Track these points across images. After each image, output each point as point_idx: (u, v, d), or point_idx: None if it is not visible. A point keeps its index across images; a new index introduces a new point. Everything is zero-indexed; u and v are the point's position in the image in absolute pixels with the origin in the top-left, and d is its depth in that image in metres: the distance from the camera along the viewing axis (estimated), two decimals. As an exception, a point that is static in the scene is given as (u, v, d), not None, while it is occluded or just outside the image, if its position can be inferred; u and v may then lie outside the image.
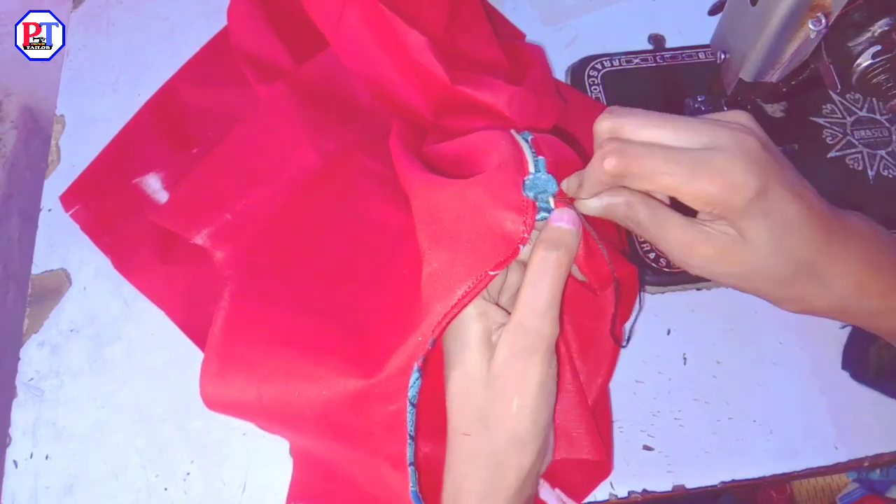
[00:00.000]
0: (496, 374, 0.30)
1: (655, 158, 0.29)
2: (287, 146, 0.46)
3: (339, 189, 0.46)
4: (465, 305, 0.31)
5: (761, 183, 0.28)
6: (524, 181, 0.32)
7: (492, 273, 0.30)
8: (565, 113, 0.50)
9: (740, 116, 0.31)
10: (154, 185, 0.51)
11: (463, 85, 0.44)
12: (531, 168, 0.33)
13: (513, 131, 0.36)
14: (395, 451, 0.33)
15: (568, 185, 0.33)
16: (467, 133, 0.42)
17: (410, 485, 0.33)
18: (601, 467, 0.42)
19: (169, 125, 0.53)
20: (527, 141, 0.34)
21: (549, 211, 0.32)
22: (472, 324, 0.31)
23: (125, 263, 0.49)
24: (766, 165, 0.29)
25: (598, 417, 0.42)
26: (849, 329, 0.47)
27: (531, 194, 0.32)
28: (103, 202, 0.50)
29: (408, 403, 0.32)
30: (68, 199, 0.50)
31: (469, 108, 0.46)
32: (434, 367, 0.35)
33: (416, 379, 0.31)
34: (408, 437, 0.32)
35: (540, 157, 0.33)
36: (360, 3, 0.47)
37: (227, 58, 0.54)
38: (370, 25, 0.47)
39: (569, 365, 0.40)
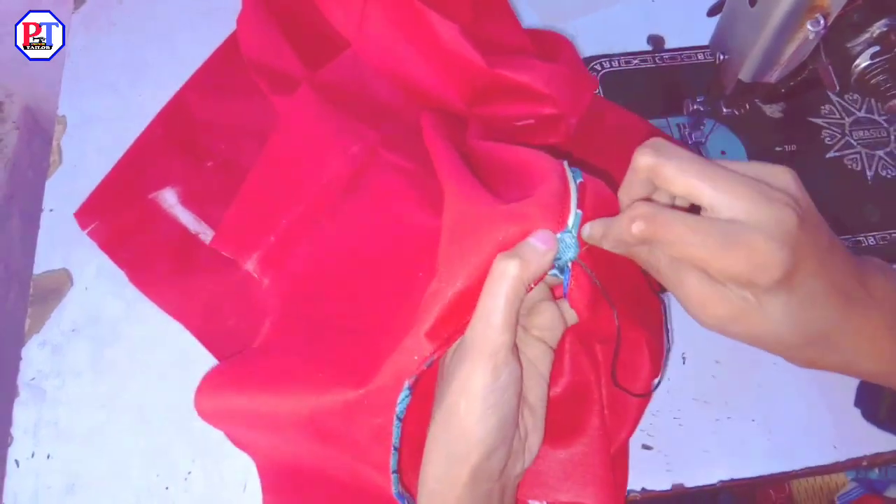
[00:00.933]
0: (449, 374, 0.31)
1: (685, 228, 0.28)
2: (316, 157, 0.47)
3: (367, 192, 0.46)
4: (456, 339, 0.31)
5: (790, 265, 0.27)
6: (561, 231, 0.32)
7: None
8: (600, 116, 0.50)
9: (785, 177, 0.29)
10: (170, 200, 0.51)
11: (500, 68, 0.44)
12: (569, 221, 0.32)
13: (566, 164, 0.35)
14: (379, 460, 0.34)
15: (592, 229, 0.32)
16: (503, 121, 0.43)
17: (393, 488, 0.34)
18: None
19: (181, 138, 0.53)
20: (575, 183, 0.33)
21: (561, 271, 0.32)
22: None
23: (142, 277, 0.49)
24: (799, 245, 0.28)
25: (617, 469, 0.42)
26: None
27: (562, 246, 0.32)
28: (119, 218, 0.50)
29: (395, 418, 0.32)
30: (84, 216, 0.50)
31: (506, 91, 0.46)
32: (427, 382, 0.35)
33: (406, 396, 0.32)
34: (392, 448, 0.33)
35: (579, 211, 0.32)
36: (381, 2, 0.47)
37: (235, 67, 0.53)
38: (394, 21, 0.48)
39: (597, 411, 0.40)
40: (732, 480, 0.44)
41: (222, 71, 0.55)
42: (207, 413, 0.41)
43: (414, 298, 0.34)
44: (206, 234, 0.50)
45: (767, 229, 0.27)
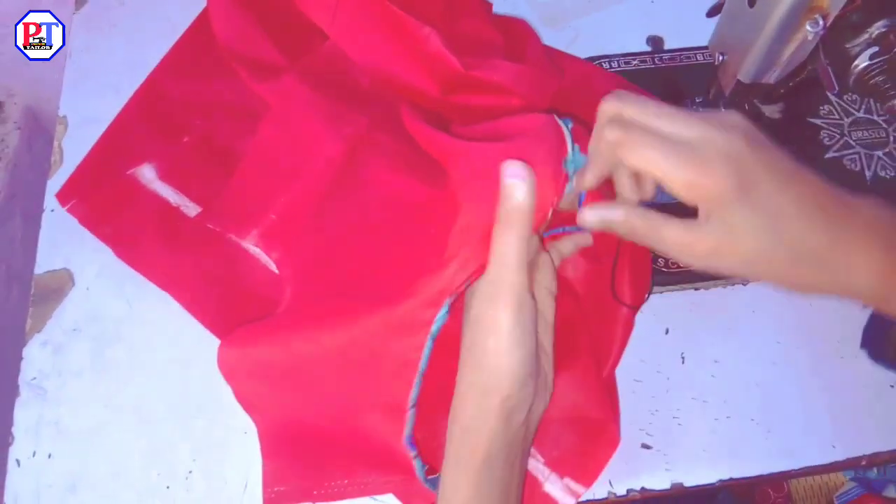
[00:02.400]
0: (475, 319, 0.34)
1: (652, 138, 0.31)
2: (310, 139, 0.48)
3: (363, 168, 0.47)
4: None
5: (741, 176, 0.30)
6: (564, 158, 0.35)
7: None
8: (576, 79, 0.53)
9: (733, 116, 0.33)
10: (148, 175, 0.51)
11: (475, 70, 0.47)
12: (570, 149, 0.36)
13: (555, 116, 0.38)
14: (398, 396, 0.35)
15: (576, 179, 0.36)
16: (478, 108, 0.46)
17: (406, 429, 0.35)
18: (609, 438, 0.43)
19: (156, 116, 0.54)
20: (567, 127, 0.37)
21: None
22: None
23: (127, 252, 0.49)
24: (749, 160, 0.31)
25: (609, 388, 0.44)
26: (870, 310, 0.47)
27: (571, 168, 0.35)
28: (99, 195, 0.51)
29: (428, 337, 0.34)
30: (64, 195, 0.51)
31: (479, 87, 0.48)
32: (446, 351, 0.36)
33: (444, 314, 0.34)
34: (417, 375, 0.35)
35: (576, 145, 0.36)
36: (352, 2, 0.49)
37: (205, 46, 0.55)
38: (367, 19, 0.49)
39: (585, 334, 0.43)
40: (732, 480, 0.44)
41: (193, 51, 0.56)
42: (229, 365, 0.42)
43: (432, 248, 0.36)
44: (186, 206, 0.51)
45: (718, 146, 0.31)
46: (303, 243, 0.47)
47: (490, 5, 0.57)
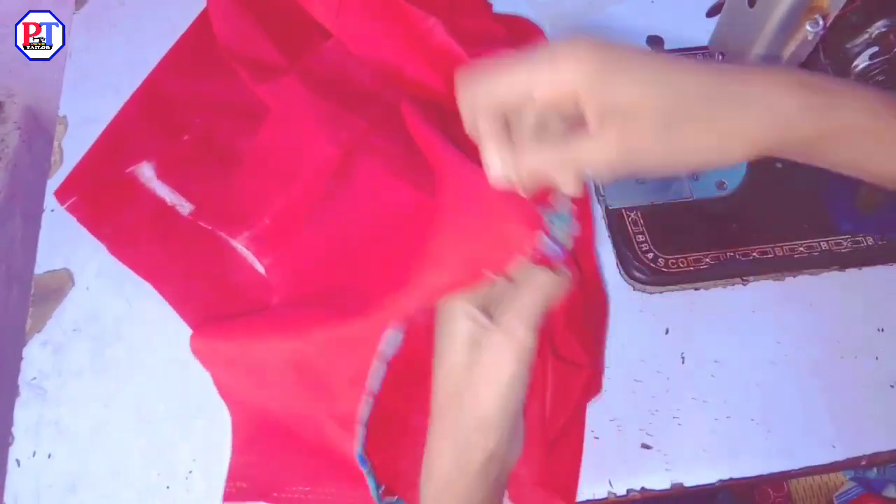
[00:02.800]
0: (477, 363, 0.32)
1: (502, 70, 0.31)
2: (305, 143, 0.48)
3: (358, 173, 0.47)
4: (452, 291, 0.32)
5: (603, 53, 0.29)
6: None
7: (488, 273, 0.32)
8: None
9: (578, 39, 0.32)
10: (147, 174, 0.52)
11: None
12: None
13: None
14: (349, 409, 0.34)
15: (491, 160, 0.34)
16: None
17: (357, 445, 0.34)
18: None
19: (156, 115, 0.54)
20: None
21: (556, 244, 0.33)
22: (462, 323, 0.32)
23: (122, 250, 0.50)
24: (599, 45, 0.30)
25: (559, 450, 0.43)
26: None
27: (550, 219, 0.33)
28: (98, 192, 0.51)
29: (377, 359, 0.33)
30: (63, 192, 0.51)
31: None
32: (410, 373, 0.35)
33: (394, 337, 0.33)
34: (367, 393, 0.33)
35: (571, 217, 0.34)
36: None
37: (205, 46, 0.55)
38: (372, 13, 0.49)
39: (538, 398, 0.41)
40: (732, 480, 0.44)
41: (194, 50, 0.56)
42: (200, 351, 0.42)
43: (412, 262, 0.35)
44: (182, 206, 0.51)
45: (564, 44, 0.30)
46: (294, 251, 0.47)
47: (490, 5, 0.57)
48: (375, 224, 0.45)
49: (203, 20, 0.56)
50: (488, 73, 0.32)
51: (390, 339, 0.33)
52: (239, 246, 0.49)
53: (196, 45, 0.56)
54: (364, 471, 0.36)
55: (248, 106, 0.52)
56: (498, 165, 0.32)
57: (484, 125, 0.32)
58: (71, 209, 0.50)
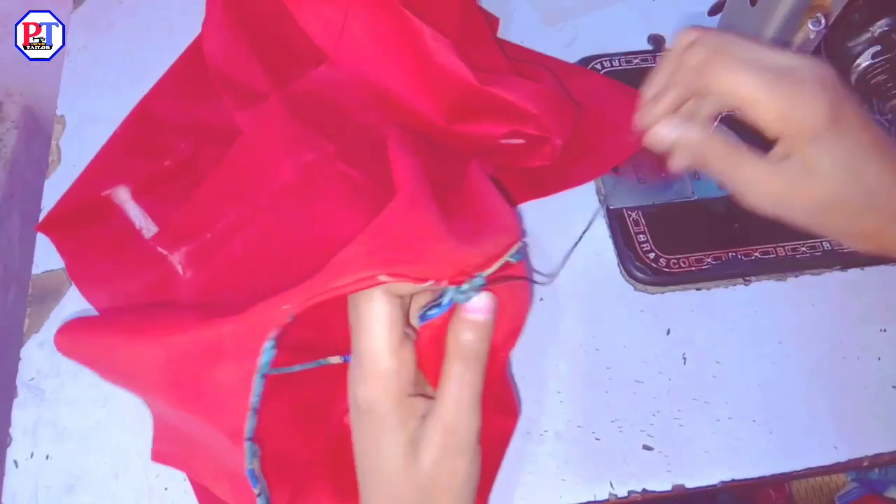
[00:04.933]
0: (426, 475, 0.29)
1: (742, 60, 0.29)
2: (270, 164, 0.47)
3: (308, 196, 0.46)
4: (340, 292, 0.29)
5: (835, 106, 0.29)
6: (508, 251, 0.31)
7: (381, 278, 0.29)
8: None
9: (816, 60, 0.31)
10: (122, 196, 0.51)
11: (489, 85, 0.45)
12: (468, 283, 0.30)
13: (523, 240, 0.34)
14: (235, 424, 0.31)
15: (647, 92, 0.34)
16: (486, 139, 0.45)
17: (246, 462, 0.31)
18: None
19: (142, 138, 0.53)
20: (511, 257, 0.32)
21: (471, 288, 0.30)
22: (395, 435, 0.29)
23: (77, 267, 0.49)
24: (840, 92, 0.29)
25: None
26: None
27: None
28: (72, 213, 0.50)
29: (256, 372, 0.30)
30: (46, 225, 0.50)
31: (491, 109, 0.46)
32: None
33: (271, 348, 0.30)
34: (249, 409, 0.31)
35: (482, 281, 0.31)
36: (366, 11, 0.47)
37: (200, 70, 0.54)
38: (377, 34, 0.48)
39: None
40: (733, 481, 0.43)
41: (187, 74, 0.55)
42: (65, 349, 0.41)
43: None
44: (149, 229, 0.50)
45: (811, 73, 0.29)
46: (214, 266, 0.46)
47: (500, 46, 0.56)
48: (308, 247, 0.43)
49: (198, 44, 0.56)
50: (727, 50, 0.30)
51: (266, 350, 0.30)
52: (175, 260, 0.48)
53: (191, 67, 0.55)
54: (255, 490, 0.32)
55: (236, 132, 0.51)
56: (660, 117, 0.32)
57: (676, 98, 0.32)
58: (41, 228, 0.50)
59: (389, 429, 0.29)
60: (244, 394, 0.30)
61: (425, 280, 0.29)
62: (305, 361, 0.37)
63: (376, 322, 0.29)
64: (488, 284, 0.31)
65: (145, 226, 0.50)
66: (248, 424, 0.31)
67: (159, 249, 0.48)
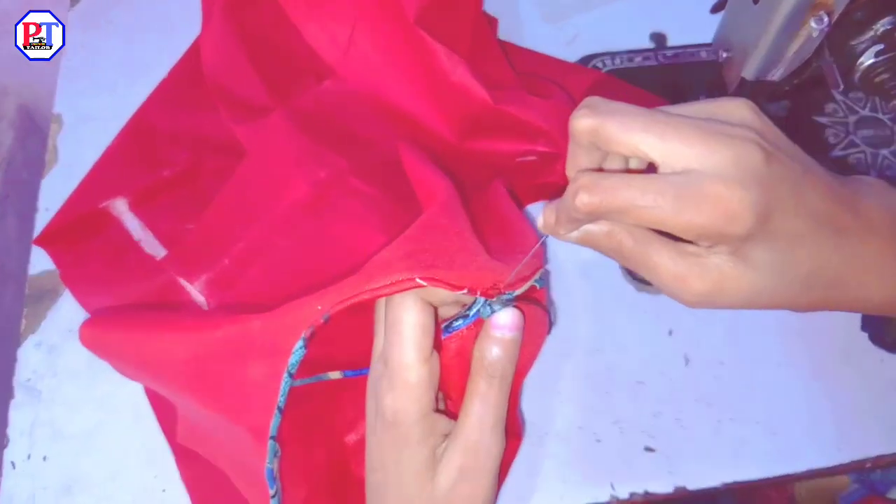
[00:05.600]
0: (441, 496, 0.29)
1: (633, 191, 0.25)
2: (281, 181, 0.47)
3: (324, 214, 0.46)
4: (376, 295, 0.29)
5: (762, 207, 0.24)
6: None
7: (418, 281, 0.29)
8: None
9: (741, 111, 0.27)
10: (120, 208, 0.51)
11: (503, 104, 0.44)
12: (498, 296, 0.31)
13: (544, 268, 0.35)
14: (259, 422, 0.31)
15: (545, 217, 0.30)
16: (498, 156, 0.44)
17: (267, 461, 0.31)
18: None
19: (139, 149, 0.52)
20: (535, 282, 0.33)
21: (499, 302, 0.31)
22: (417, 449, 0.29)
23: (72, 273, 0.48)
24: (770, 183, 0.25)
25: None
26: None
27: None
28: (69, 224, 0.50)
29: (285, 371, 0.30)
30: (43, 239, 0.50)
31: (503, 127, 0.46)
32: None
33: (301, 347, 0.30)
34: (276, 408, 0.31)
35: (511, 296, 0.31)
36: (374, 26, 0.47)
37: (197, 80, 0.53)
38: (386, 49, 0.47)
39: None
40: (735, 483, 0.43)
41: (184, 83, 0.55)
42: (89, 343, 0.41)
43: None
44: (148, 241, 0.50)
45: (727, 172, 0.24)
46: (237, 294, 0.45)
47: (495, 24, 0.56)
48: (329, 266, 0.42)
49: (194, 52, 0.55)
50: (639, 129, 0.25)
51: (296, 349, 0.30)
52: (193, 291, 0.46)
53: (189, 75, 0.54)
54: (270, 492, 0.32)
55: (235, 144, 0.50)
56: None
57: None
58: (39, 242, 0.50)
59: (412, 442, 0.29)
60: (272, 392, 0.30)
61: (461, 288, 0.29)
62: (305, 377, 0.36)
63: (411, 329, 0.29)
64: (515, 304, 0.31)
65: (143, 237, 0.50)
66: (273, 423, 0.31)
67: (180, 281, 0.46)
